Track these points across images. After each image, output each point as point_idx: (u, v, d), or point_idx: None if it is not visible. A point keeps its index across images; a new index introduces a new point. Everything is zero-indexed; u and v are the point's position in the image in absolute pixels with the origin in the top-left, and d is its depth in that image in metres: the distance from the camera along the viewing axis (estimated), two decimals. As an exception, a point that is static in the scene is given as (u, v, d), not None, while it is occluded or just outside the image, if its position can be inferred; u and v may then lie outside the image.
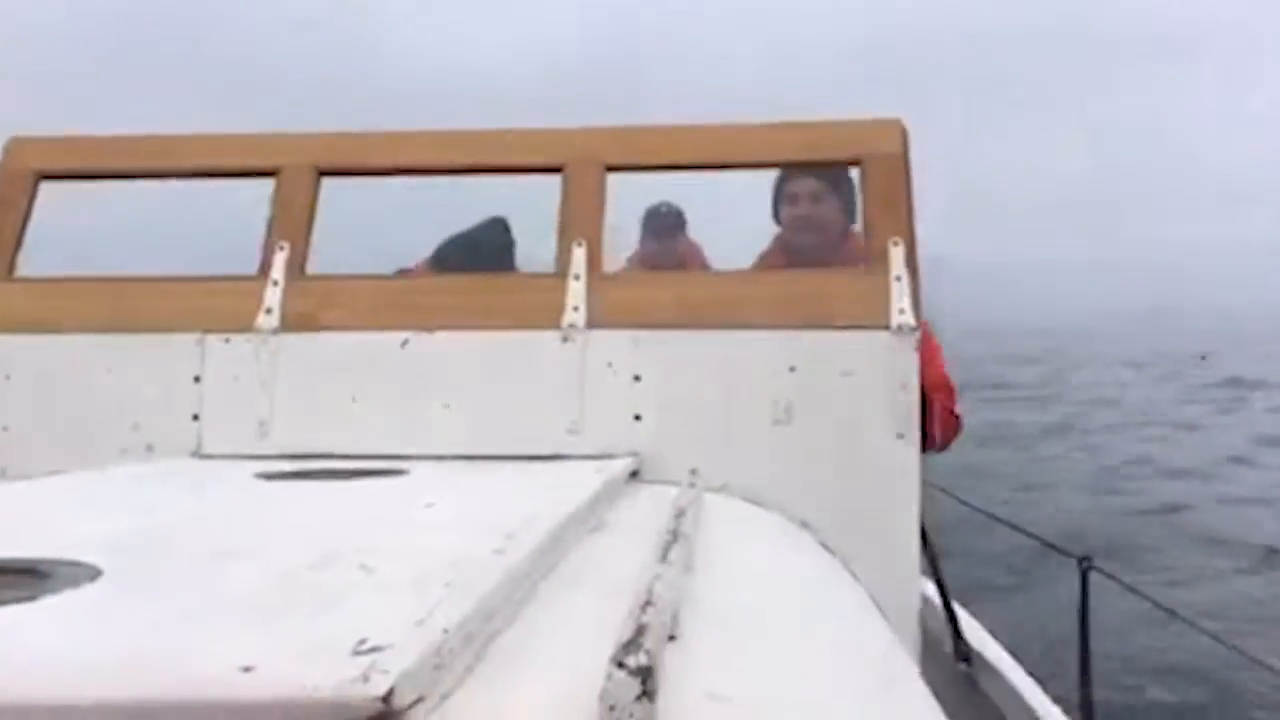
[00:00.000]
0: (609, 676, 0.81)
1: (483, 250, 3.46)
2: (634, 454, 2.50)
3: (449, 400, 2.58)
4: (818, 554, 2.36)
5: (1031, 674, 3.85)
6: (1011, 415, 21.70)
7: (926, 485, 2.50)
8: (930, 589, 4.26)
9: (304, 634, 0.91)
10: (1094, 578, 3.01)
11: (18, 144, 2.88)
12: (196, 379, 2.63)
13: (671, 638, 1.13)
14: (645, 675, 0.81)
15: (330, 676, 0.77)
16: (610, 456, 2.46)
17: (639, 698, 0.80)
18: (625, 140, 2.87)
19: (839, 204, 3.31)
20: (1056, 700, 3.56)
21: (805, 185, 3.30)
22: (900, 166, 2.72)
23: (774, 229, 3.43)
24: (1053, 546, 3.45)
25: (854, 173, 2.80)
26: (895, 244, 2.62)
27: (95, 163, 2.92)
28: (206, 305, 2.70)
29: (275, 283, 2.69)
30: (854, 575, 2.34)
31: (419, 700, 0.81)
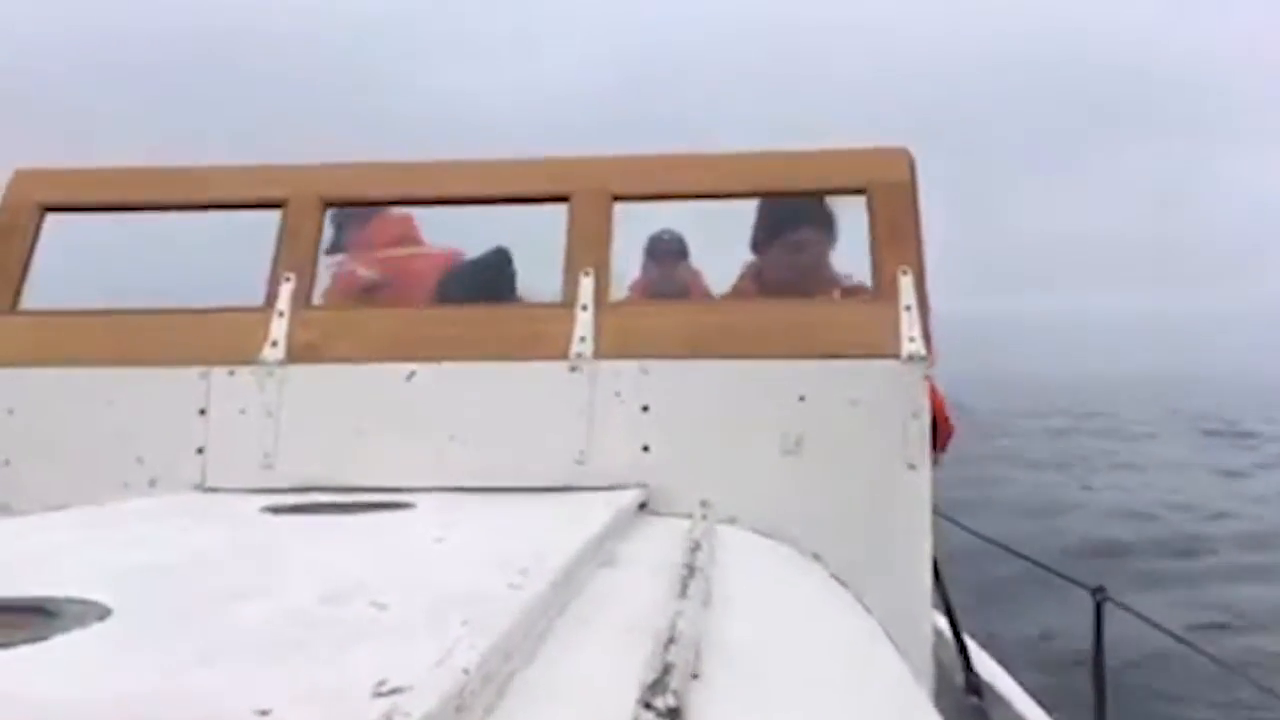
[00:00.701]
0: (636, 718, 0.79)
1: (485, 280, 3.45)
2: (643, 485, 2.47)
3: (455, 432, 2.56)
4: (830, 587, 2.34)
5: (1043, 705, 3.81)
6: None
7: (935, 515, 2.48)
8: (940, 621, 4.23)
9: (320, 676, 0.89)
10: (1108, 608, 2.98)
11: (23, 176, 2.88)
12: (202, 411, 2.61)
13: (694, 676, 1.11)
14: (674, 716, 0.79)
15: None
16: (619, 487, 2.43)
17: None
18: (631, 170, 2.86)
19: (827, 242, 3.33)
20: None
21: (810, 235, 3.31)
22: (908, 195, 2.71)
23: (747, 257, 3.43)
24: (1065, 577, 3.42)
25: (856, 201, 2.78)
26: (904, 273, 2.60)
27: (101, 195, 2.91)
28: (211, 337, 2.69)
29: (281, 314, 2.68)
30: (866, 608, 2.31)
31: None
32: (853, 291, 3.17)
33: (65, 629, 1.03)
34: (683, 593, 1.24)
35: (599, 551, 1.74)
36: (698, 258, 4.46)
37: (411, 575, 1.38)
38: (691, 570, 1.40)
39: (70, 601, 1.12)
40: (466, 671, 0.89)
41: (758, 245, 3.45)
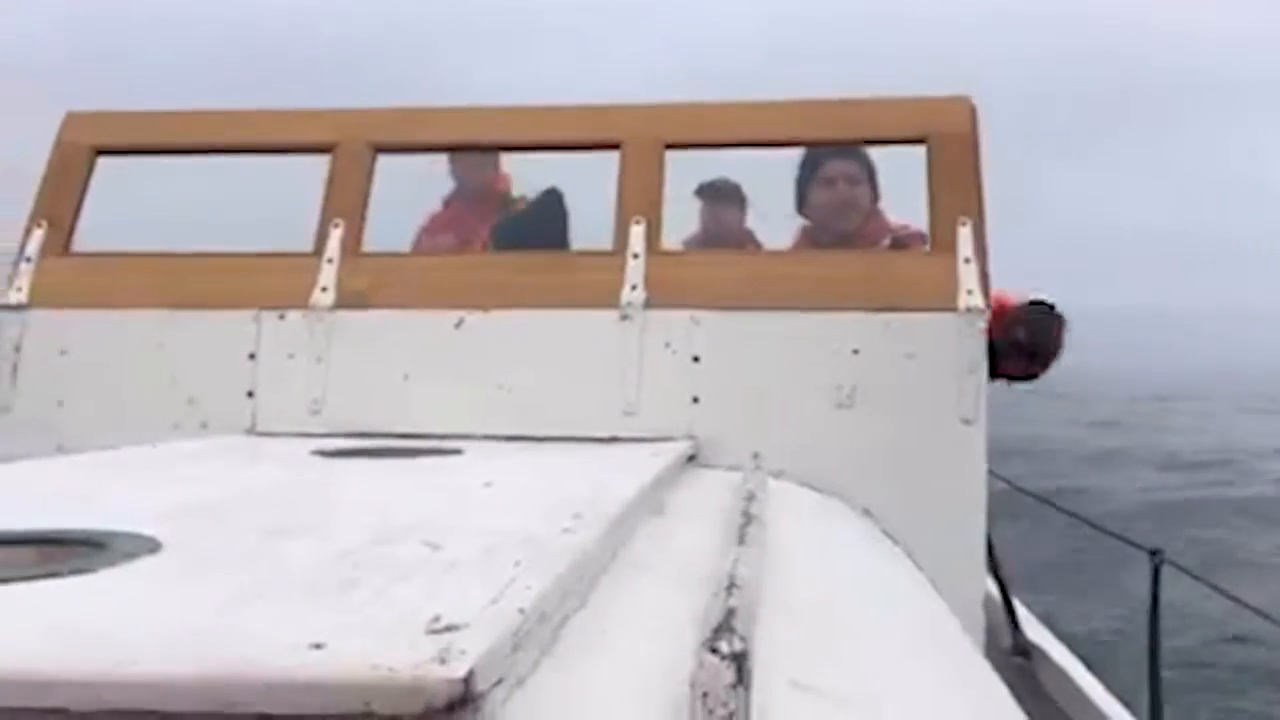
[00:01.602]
0: (701, 662, 0.76)
1: (536, 224, 3.42)
2: (691, 437, 2.45)
3: (503, 380, 2.54)
4: (881, 542, 2.30)
5: (1091, 668, 3.75)
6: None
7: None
8: (989, 584, 4.18)
9: (374, 611, 0.86)
10: (1165, 571, 2.92)
11: (74, 119, 2.88)
12: (251, 356, 2.61)
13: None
14: (740, 660, 0.76)
15: (406, 656, 0.72)
16: (667, 439, 2.40)
17: (734, 685, 0.74)
18: (684, 117, 2.81)
19: (870, 186, 3.25)
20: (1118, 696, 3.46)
21: (843, 168, 3.23)
22: (969, 145, 2.64)
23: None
24: (1121, 538, 3.35)
25: (916, 151, 2.71)
26: (963, 224, 2.54)
27: (151, 138, 2.90)
28: (262, 282, 2.68)
29: (330, 260, 2.66)
30: (916, 564, 2.27)
31: (498, 683, 0.76)
32: (906, 241, 3.10)
33: (114, 561, 1.02)
34: (741, 539, 1.21)
35: (650, 500, 1.71)
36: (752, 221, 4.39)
37: (463, 517, 1.36)
38: (749, 518, 1.37)
39: (119, 535, 1.11)
40: (522, 611, 0.86)
41: (801, 202, 3.39)
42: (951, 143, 2.63)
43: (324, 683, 0.71)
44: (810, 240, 3.33)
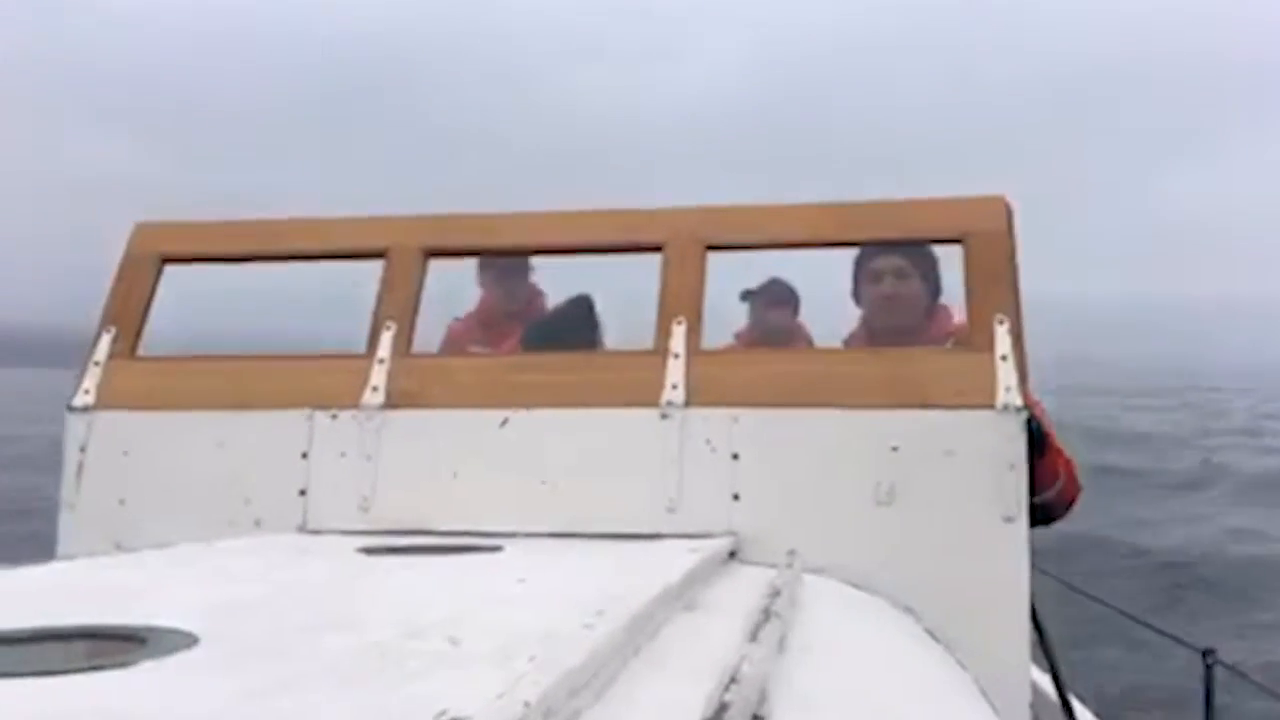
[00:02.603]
0: None
1: (566, 328, 3.49)
2: (732, 534, 2.46)
3: (547, 477, 2.59)
4: (921, 639, 2.29)
5: None
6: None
7: (1035, 569, 2.41)
8: (1045, 681, 4.08)
9: (388, 703, 0.91)
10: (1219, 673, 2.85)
11: (143, 229, 3.03)
12: (304, 455, 2.69)
13: (759, 719, 1.10)
14: None
15: None
16: (709, 536, 2.43)
17: None
18: (725, 219, 2.88)
19: (922, 281, 3.26)
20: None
21: (890, 263, 3.25)
22: (1004, 243, 2.67)
23: (855, 311, 3.39)
24: (1175, 639, 3.28)
25: (951, 250, 2.75)
26: (1001, 322, 2.56)
27: (215, 247, 3.04)
28: (316, 383, 2.77)
29: (381, 361, 2.75)
30: (960, 663, 2.25)
31: None
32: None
33: (153, 655, 1.08)
34: (753, 636, 1.23)
35: (681, 596, 1.73)
36: (806, 315, 4.43)
37: (490, 613, 1.40)
38: (767, 615, 1.39)
39: (160, 630, 1.17)
40: (527, 704, 0.90)
41: (856, 295, 3.42)
42: (988, 242, 2.67)
43: None
44: (866, 336, 3.35)
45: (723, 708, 0.88)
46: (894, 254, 3.30)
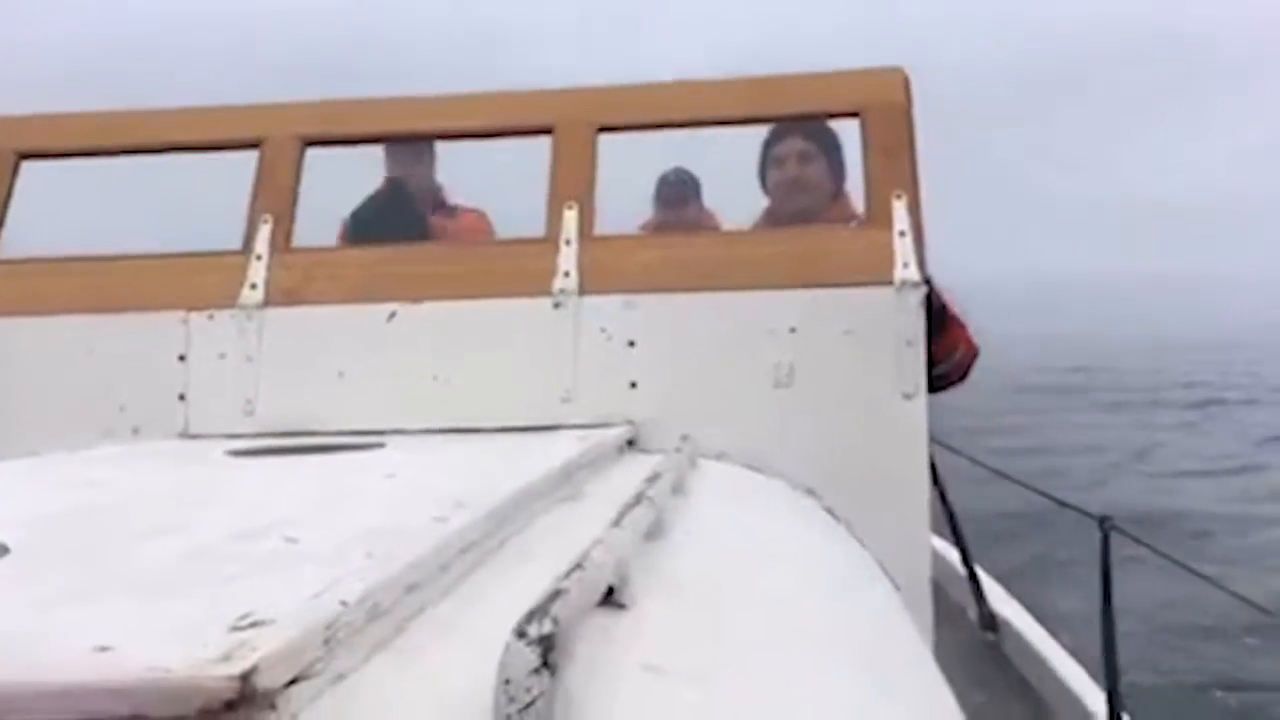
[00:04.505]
0: (506, 648, 0.72)
1: (386, 217, 3.41)
2: (630, 422, 2.41)
3: (437, 372, 2.50)
4: (820, 521, 2.27)
5: (1061, 642, 3.73)
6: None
7: (934, 442, 2.40)
8: (952, 554, 4.15)
9: (188, 610, 0.82)
10: (1115, 539, 2.89)
11: None
12: (181, 358, 2.57)
13: (619, 605, 1.04)
14: (547, 645, 0.72)
15: (188, 656, 0.69)
16: (606, 425, 2.37)
17: (535, 670, 0.71)
18: (617, 99, 2.77)
19: (827, 165, 3.20)
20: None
21: (792, 146, 3.20)
22: (903, 117, 2.60)
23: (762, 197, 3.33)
24: (1070, 506, 3.33)
25: (852, 126, 2.68)
26: (898, 197, 2.50)
27: (76, 140, 2.85)
28: (190, 282, 2.63)
29: (259, 257, 2.62)
30: (861, 542, 2.24)
31: (294, 681, 0.73)
32: None
33: None
34: (616, 522, 1.17)
35: (563, 486, 1.67)
36: (716, 199, 4.36)
37: (340, 511, 1.32)
38: (639, 499, 1.32)
39: None
40: (344, 604, 0.82)
41: (763, 181, 3.36)
42: (885, 115, 2.60)
43: (99, 687, 0.67)
44: (771, 221, 3.29)
45: (553, 596, 0.81)
46: (797, 137, 3.23)
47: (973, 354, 2.77)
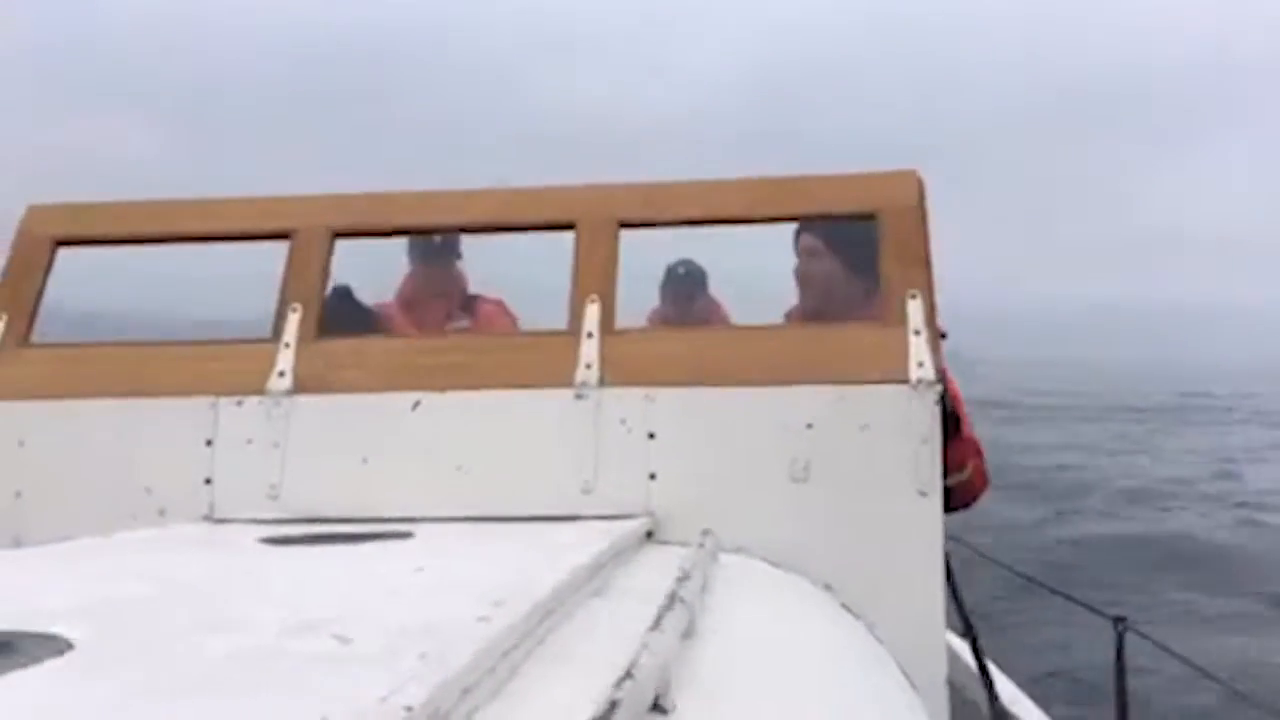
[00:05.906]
0: None
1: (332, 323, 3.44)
2: (649, 514, 2.44)
3: (461, 461, 2.54)
4: (838, 617, 2.29)
5: None
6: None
7: (950, 540, 2.42)
8: (964, 648, 4.13)
9: (259, 713, 0.86)
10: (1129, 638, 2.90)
11: (35, 211, 2.91)
12: (209, 443, 2.61)
13: (663, 710, 1.07)
14: None
15: None
16: (626, 516, 2.40)
17: None
18: (638, 196, 2.84)
19: (841, 260, 3.23)
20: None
21: (804, 242, 3.27)
22: (917, 218, 2.67)
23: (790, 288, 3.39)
24: (1087, 606, 3.34)
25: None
26: (913, 297, 2.56)
27: (111, 229, 2.93)
28: (219, 369, 2.69)
29: (287, 345, 2.68)
30: (876, 638, 2.26)
31: None
32: None
33: (20, 665, 1.02)
34: (656, 625, 1.20)
35: (591, 580, 1.71)
36: (724, 289, 4.42)
37: (382, 608, 1.35)
38: (673, 601, 1.36)
39: (30, 636, 1.11)
40: (410, 709, 0.86)
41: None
42: (900, 217, 2.67)
43: None
44: (799, 314, 3.34)
45: (612, 706, 0.85)
46: (807, 233, 3.30)
47: (983, 484, 2.80)
